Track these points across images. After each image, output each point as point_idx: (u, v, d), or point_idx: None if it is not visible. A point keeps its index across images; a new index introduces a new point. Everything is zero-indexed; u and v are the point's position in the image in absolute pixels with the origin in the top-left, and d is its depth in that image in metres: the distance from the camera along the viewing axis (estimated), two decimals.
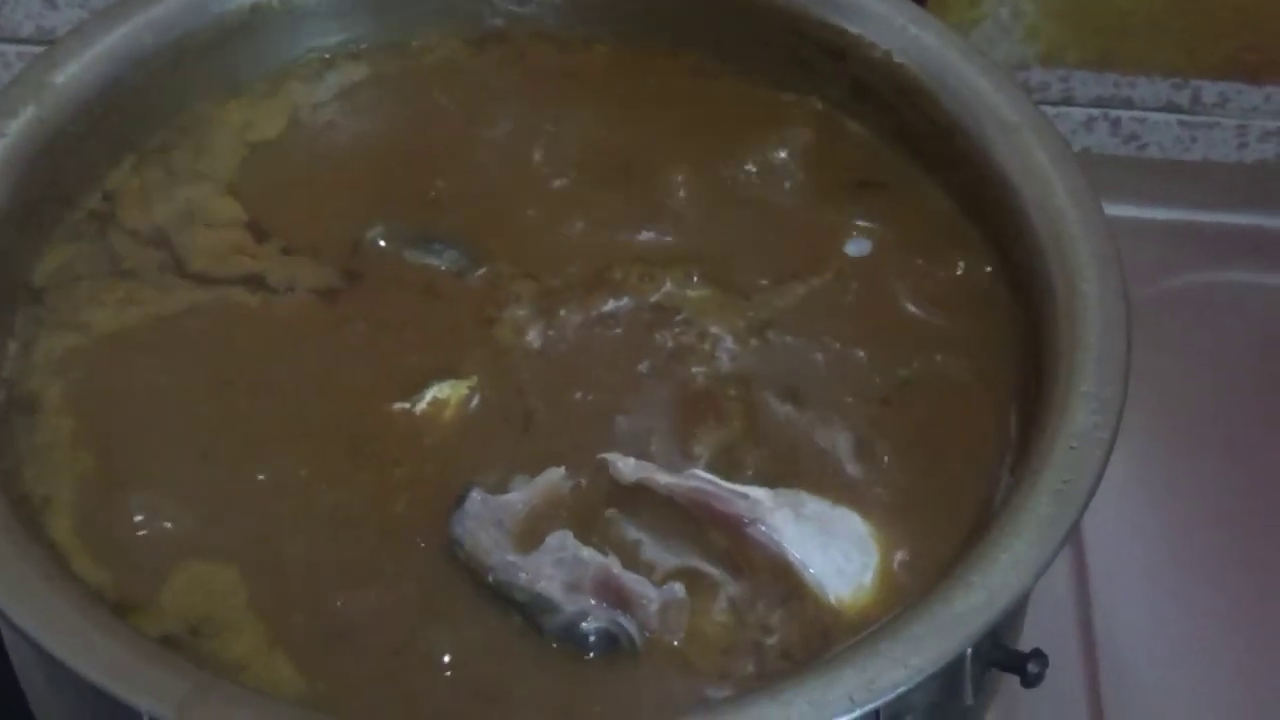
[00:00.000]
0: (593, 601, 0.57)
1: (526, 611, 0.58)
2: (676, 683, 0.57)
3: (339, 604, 0.58)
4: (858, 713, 0.52)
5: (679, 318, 0.66)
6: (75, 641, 0.53)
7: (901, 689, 0.53)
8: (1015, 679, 0.59)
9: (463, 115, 0.74)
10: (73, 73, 0.68)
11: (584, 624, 0.57)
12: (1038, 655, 0.58)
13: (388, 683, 0.56)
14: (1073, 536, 0.69)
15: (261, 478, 0.61)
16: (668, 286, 0.67)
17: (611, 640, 0.57)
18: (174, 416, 0.62)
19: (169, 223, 0.68)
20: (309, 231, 0.68)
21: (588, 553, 0.58)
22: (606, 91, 0.75)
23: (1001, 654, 0.59)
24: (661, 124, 0.73)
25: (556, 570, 0.58)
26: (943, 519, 0.61)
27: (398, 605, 0.58)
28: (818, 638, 0.58)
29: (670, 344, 0.66)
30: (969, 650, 0.55)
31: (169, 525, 0.60)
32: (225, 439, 0.62)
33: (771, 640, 0.58)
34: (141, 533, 0.59)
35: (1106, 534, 0.78)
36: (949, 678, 0.57)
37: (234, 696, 0.52)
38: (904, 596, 0.58)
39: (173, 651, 0.56)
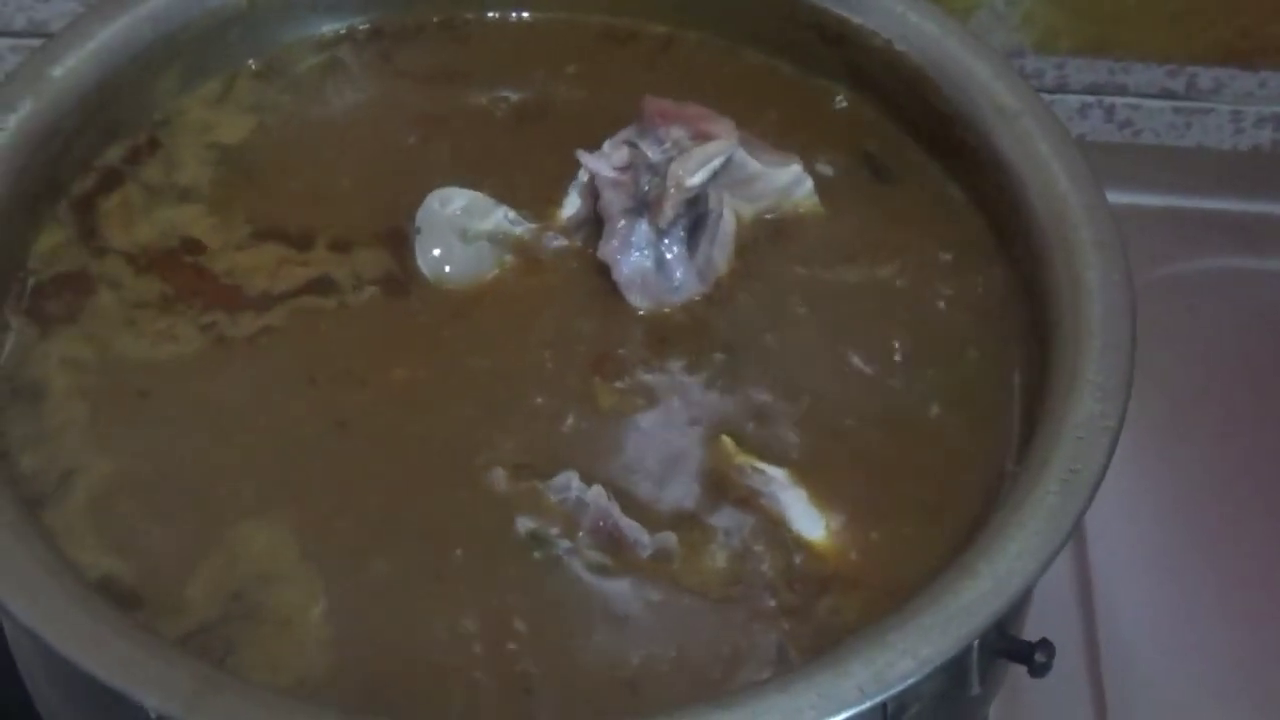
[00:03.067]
0: (580, 539, 0.59)
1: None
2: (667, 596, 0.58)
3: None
4: (867, 704, 0.52)
5: None
6: (82, 638, 0.53)
7: (910, 680, 0.53)
8: (1019, 668, 0.59)
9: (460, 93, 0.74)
10: (71, 66, 0.67)
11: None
12: (1044, 645, 0.58)
13: None
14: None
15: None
16: None
17: None
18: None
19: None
20: (345, 222, 0.68)
21: (592, 494, 0.60)
22: (600, 62, 0.76)
23: (1008, 644, 0.58)
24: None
25: (558, 508, 0.60)
26: (945, 505, 0.61)
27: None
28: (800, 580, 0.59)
29: None
30: (976, 641, 0.55)
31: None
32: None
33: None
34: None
35: (1107, 521, 0.78)
36: (956, 668, 0.57)
37: (244, 692, 0.52)
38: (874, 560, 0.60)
39: (185, 646, 0.56)
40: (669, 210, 0.66)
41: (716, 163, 0.66)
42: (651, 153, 0.66)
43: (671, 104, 0.68)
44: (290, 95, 0.73)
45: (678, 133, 0.67)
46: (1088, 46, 0.96)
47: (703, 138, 0.67)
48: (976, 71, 0.70)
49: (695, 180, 0.66)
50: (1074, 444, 0.58)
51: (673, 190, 0.66)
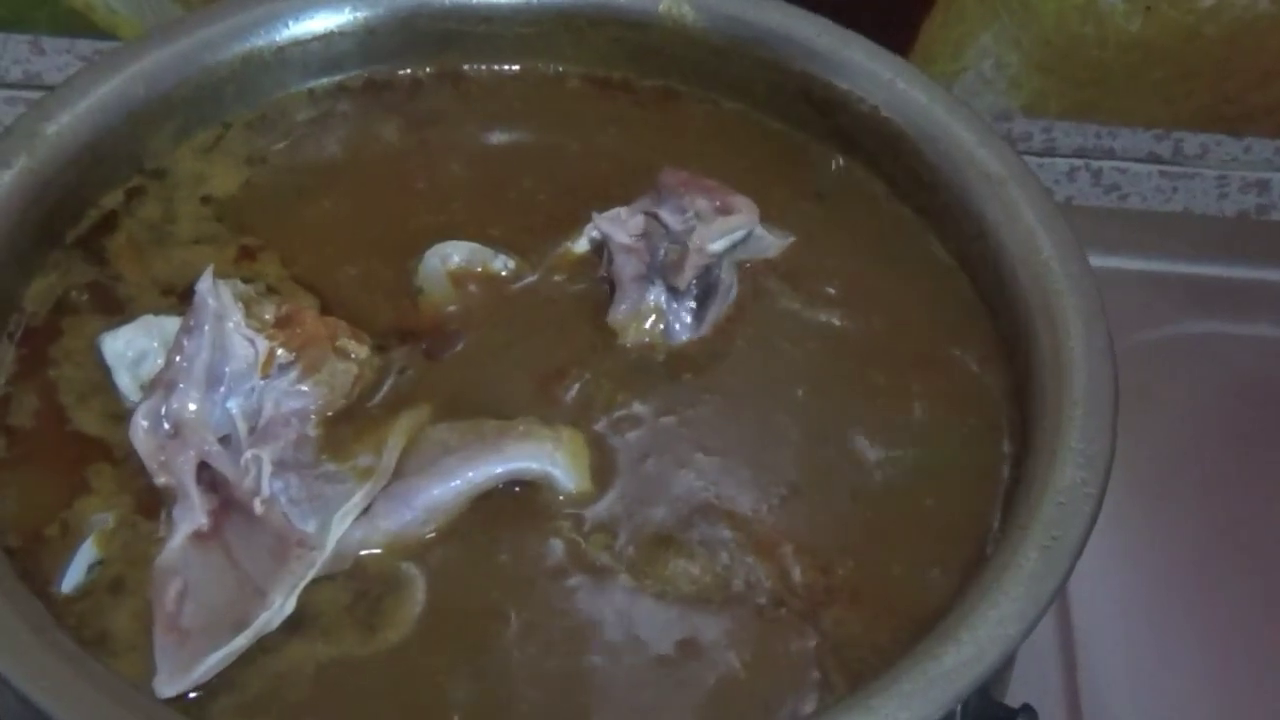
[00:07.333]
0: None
1: None
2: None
3: None
4: None
5: None
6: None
7: None
8: None
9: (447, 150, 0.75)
10: (65, 123, 0.68)
11: None
12: (1027, 710, 0.58)
13: None
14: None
15: None
16: None
17: None
18: None
19: None
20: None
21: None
22: (582, 118, 0.77)
23: (991, 709, 0.59)
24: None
25: None
26: (931, 572, 0.61)
27: None
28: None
29: None
30: (959, 706, 0.55)
31: None
32: None
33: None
34: None
35: (1089, 585, 0.78)
36: None
37: None
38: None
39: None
40: (688, 271, 0.66)
41: (739, 235, 0.67)
42: (672, 221, 0.67)
43: (690, 175, 0.69)
44: (285, 145, 0.73)
45: (701, 203, 0.67)
46: (1075, 110, 0.97)
47: (724, 210, 0.67)
48: (962, 138, 0.70)
49: (716, 247, 0.66)
50: (1056, 510, 0.58)
51: (694, 254, 0.66)
